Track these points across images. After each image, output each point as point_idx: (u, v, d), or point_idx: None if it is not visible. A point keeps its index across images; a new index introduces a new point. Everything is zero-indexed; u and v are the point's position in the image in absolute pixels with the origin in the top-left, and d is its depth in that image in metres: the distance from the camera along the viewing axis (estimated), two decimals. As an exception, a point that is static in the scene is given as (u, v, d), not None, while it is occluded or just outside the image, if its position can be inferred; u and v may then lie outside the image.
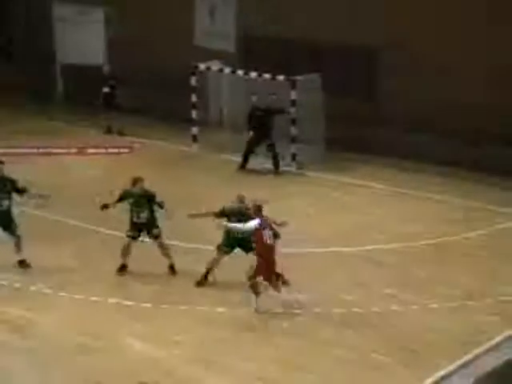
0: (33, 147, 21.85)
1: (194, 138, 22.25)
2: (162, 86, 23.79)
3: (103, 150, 21.89)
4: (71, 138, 22.64)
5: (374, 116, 21.42)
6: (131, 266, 14.91)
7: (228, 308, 13.61)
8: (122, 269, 14.87)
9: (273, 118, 20.45)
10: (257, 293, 13.42)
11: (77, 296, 14.03)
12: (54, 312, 13.60)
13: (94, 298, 13.94)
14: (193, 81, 22.01)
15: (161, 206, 14.71)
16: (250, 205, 13.95)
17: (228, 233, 14.18)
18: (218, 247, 14.32)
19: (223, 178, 19.87)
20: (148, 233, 14.79)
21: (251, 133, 20.45)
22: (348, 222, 17.40)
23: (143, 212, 14.63)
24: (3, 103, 25.21)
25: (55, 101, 26.08)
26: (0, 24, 26.68)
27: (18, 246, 15.07)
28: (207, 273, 14.39)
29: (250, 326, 13.17)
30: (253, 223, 13.48)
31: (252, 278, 13.41)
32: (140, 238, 14.89)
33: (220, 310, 13.60)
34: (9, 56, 26.88)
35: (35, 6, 26.22)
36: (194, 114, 22.17)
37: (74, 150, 21.78)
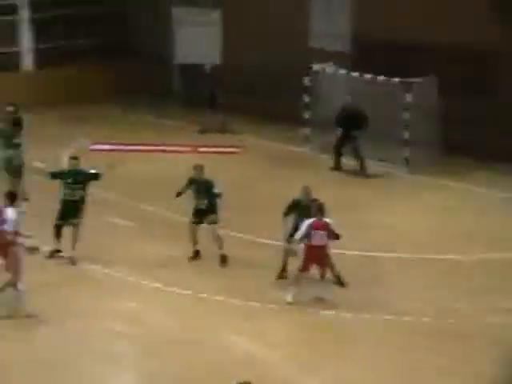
0: (147, 144, 22.36)
1: (306, 139, 22.25)
2: (274, 86, 23.87)
3: (215, 149, 22.15)
4: (174, 136, 23.02)
5: (492, 119, 20.86)
6: (242, 265, 15.08)
7: (334, 311, 13.61)
8: (195, 256, 15.37)
9: (359, 121, 20.29)
10: (296, 285, 13.67)
11: (185, 292, 14.27)
12: (163, 306, 13.88)
13: (200, 295, 14.14)
14: (306, 81, 22.02)
15: (218, 196, 15.25)
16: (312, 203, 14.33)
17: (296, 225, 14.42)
18: (287, 240, 14.57)
19: (331, 179, 19.78)
20: (206, 219, 15.28)
21: (338, 133, 20.52)
22: (454, 229, 17.04)
23: (203, 199, 15.17)
24: (118, 101, 25.87)
25: (171, 100, 26.50)
26: (121, 25, 27.30)
27: (74, 240, 15.37)
28: (284, 266, 14.62)
29: (354, 332, 13.13)
30: (304, 227, 13.70)
31: (299, 270, 13.74)
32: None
33: (327, 312, 13.59)
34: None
35: (156, 8, 26.76)
36: (306, 114, 22.17)
37: (187, 148, 22.14)
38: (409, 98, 20.26)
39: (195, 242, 15.40)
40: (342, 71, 21.86)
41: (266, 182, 19.61)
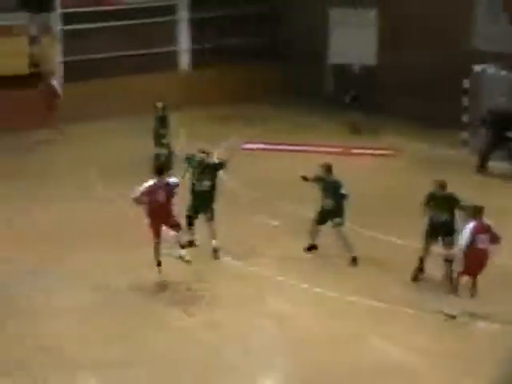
0: (299, 144, 22.31)
1: (464, 143, 21.53)
2: (432, 87, 23.28)
3: (367, 151, 21.85)
4: (325, 137, 22.89)
5: None
6: (389, 269, 14.79)
7: (485, 322, 13.10)
8: (311, 248, 15.47)
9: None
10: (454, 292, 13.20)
11: (330, 293, 14.09)
12: (310, 306, 13.80)
13: (347, 297, 13.93)
14: (466, 83, 21.31)
15: (345, 197, 15.02)
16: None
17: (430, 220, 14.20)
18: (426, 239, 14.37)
19: (483, 187, 18.96)
20: (331, 220, 15.15)
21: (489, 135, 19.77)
22: None
23: (329, 199, 14.99)
24: (270, 101, 25.95)
25: (323, 100, 26.36)
26: (275, 25, 27.43)
27: (213, 232, 15.36)
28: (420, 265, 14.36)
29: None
30: (466, 233, 13.08)
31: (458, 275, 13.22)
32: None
33: (478, 323, 13.11)
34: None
35: (311, 8, 26.72)
36: (464, 117, 21.47)
37: (338, 150, 21.90)
38: None
39: (313, 239, 15.48)
40: (504, 72, 21.03)
41: (419, 186, 19.07)
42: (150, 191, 14.21)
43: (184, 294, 13.79)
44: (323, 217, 15.25)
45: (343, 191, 15.02)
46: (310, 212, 15.65)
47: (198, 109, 24.45)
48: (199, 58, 26.49)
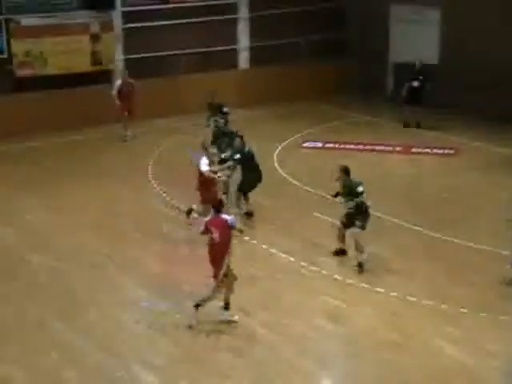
0: (358, 143, 22.41)
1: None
2: (491, 85, 23.24)
3: (427, 150, 21.88)
4: (387, 136, 22.97)
5: None
6: (453, 271, 14.83)
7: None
8: (339, 253, 15.37)
9: None
10: None
11: (392, 293, 14.17)
12: (370, 306, 13.82)
13: (409, 298, 13.99)
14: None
15: (361, 194, 14.77)
16: None
17: None
18: None
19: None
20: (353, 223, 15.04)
21: None
22: None
23: (350, 202, 14.88)
24: (331, 100, 26.10)
25: (385, 98, 26.43)
26: (339, 23, 27.51)
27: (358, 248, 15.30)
28: None
29: None
30: None
31: None
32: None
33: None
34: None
35: (373, 6, 26.77)
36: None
37: (398, 148, 21.99)
38: None
39: (342, 241, 15.42)
40: None
41: (480, 187, 19.17)
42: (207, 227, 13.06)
43: (242, 294, 13.85)
44: (350, 220, 15.10)
45: (360, 189, 14.85)
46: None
47: (258, 108, 24.63)
48: (259, 56, 26.65)
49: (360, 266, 14.98)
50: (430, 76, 23.84)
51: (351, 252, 15.33)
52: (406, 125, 23.78)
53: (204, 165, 16.03)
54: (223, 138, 18.10)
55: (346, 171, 15.08)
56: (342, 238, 15.43)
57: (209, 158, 16.13)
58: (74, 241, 16.38)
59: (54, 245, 16.21)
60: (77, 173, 20.31)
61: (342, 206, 15.18)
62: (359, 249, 14.99)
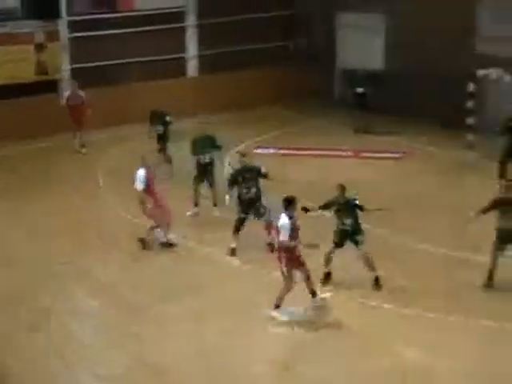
0: (309, 149, 22.54)
1: (470, 145, 21.86)
2: (438, 90, 23.61)
3: (377, 155, 22.11)
4: (337, 140, 23.13)
5: None
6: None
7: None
8: (327, 277, 14.66)
9: None
10: None
11: (361, 300, 14.20)
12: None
13: (371, 303, 14.05)
14: (470, 87, 21.64)
15: (360, 208, 14.43)
16: None
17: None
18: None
19: (491, 187, 19.14)
20: (351, 240, 14.48)
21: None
22: None
23: (348, 218, 14.39)
24: (281, 105, 26.25)
25: (334, 103, 26.66)
26: (286, 29, 27.69)
27: (268, 229, 15.56)
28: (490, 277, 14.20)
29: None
30: None
31: None
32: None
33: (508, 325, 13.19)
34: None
35: (321, 14, 27.00)
36: (470, 120, 21.79)
37: (349, 153, 22.18)
38: None
39: (328, 265, 14.69)
40: (508, 77, 21.34)
41: (431, 189, 19.43)
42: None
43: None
44: (342, 238, 14.50)
45: (357, 202, 14.45)
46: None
47: (208, 115, 24.64)
48: (209, 64, 26.70)
49: (377, 280, 14.42)
50: (375, 82, 24.16)
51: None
52: (356, 130, 24.03)
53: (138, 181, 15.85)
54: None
55: (342, 189, 14.53)
56: (329, 261, 14.60)
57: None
58: (30, 248, 16.26)
59: (9, 253, 16.10)
60: (29, 183, 20.16)
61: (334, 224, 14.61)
62: (371, 265, 14.41)
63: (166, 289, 14.63)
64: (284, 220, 13.25)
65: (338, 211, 14.50)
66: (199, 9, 26.51)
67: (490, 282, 14.29)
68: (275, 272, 13.87)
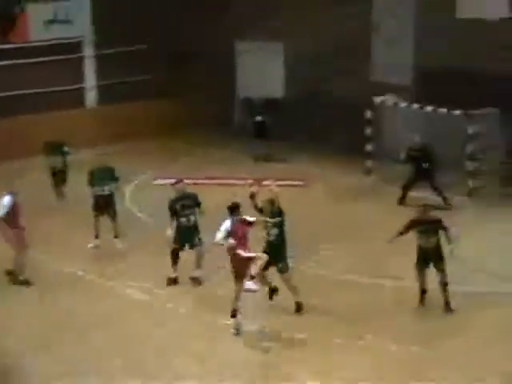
0: (210, 178, 22.52)
1: (368, 171, 22.24)
2: (336, 117, 23.99)
3: (279, 183, 22.20)
4: (238, 169, 23.21)
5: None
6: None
7: (398, 345, 13.42)
8: (273, 292, 14.52)
9: (430, 159, 20.07)
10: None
11: (252, 327, 14.18)
12: (228, 342, 13.74)
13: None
14: (368, 114, 22.07)
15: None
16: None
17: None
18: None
19: (393, 211, 19.65)
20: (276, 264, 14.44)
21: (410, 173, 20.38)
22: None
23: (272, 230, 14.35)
24: (180, 135, 26.17)
25: (234, 132, 26.76)
26: (183, 59, 27.71)
27: (198, 262, 15.63)
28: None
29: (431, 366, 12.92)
30: None
31: None
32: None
33: (392, 348, 13.40)
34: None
35: (219, 43, 27.11)
36: (368, 146, 22.20)
37: (249, 182, 22.20)
38: (471, 129, 20.14)
39: (267, 282, 14.51)
40: (403, 103, 21.85)
41: (330, 214, 19.66)
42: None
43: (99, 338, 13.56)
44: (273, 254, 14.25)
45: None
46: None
47: (107, 146, 24.41)
48: (107, 94, 26.51)
49: (300, 305, 14.46)
50: (275, 109, 24.43)
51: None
52: (256, 158, 24.16)
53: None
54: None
55: (272, 203, 14.63)
56: (264, 279, 14.31)
57: None
58: None
59: None
60: None
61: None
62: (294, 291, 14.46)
63: (64, 324, 14.34)
64: (226, 223, 13.60)
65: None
66: (97, 39, 26.32)
67: (422, 301, 14.68)
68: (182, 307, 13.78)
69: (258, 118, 24.36)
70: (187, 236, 15.85)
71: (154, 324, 14.44)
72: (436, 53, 22.43)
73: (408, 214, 18.86)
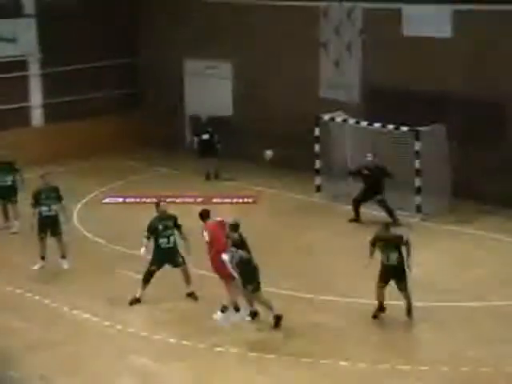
0: (160, 196, 22.35)
1: (317, 188, 22.29)
2: (284, 136, 24.05)
3: (228, 200, 22.22)
4: (187, 187, 23.06)
5: (502, 166, 20.95)
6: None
7: (351, 362, 13.43)
8: (254, 316, 14.88)
9: (381, 177, 20.26)
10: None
11: (200, 345, 14.10)
12: (179, 360, 13.68)
13: (217, 348, 13.97)
14: (316, 131, 22.13)
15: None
16: None
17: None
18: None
19: (341, 229, 19.78)
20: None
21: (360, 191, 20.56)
22: (474, 276, 16.94)
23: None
24: (129, 153, 26.05)
25: (183, 150, 26.66)
26: (133, 77, 27.59)
27: (187, 279, 15.71)
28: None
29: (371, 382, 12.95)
30: None
31: None
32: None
33: (343, 363, 13.40)
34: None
35: (168, 61, 27.05)
36: (317, 163, 22.25)
37: (199, 200, 22.15)
38: (418, 145, 20.31)
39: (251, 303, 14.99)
40: (352, 120, 21.96)
41: (280, 231, 19.64)
42: None
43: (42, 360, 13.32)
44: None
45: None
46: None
47: (55, 165, 24.10)
48: (54, 113, 26.20)
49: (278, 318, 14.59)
50: (223, 128, 24.45)
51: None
52: (207, 176, 24.11)
53: None
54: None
55: (235, 227, 14.65)
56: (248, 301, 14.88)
57: None
58: None
59: None
60: None
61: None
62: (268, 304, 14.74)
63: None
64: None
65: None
66: (43, 57, 26.06)
67: (379, 313, 14.80)
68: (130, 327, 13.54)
69: (204, 137, 24.27)
70: (168, 256, 15.73)
71: (100, 344, 14.26)
72: (383, 70, 22.64)
73: (357, 232, 19.38)
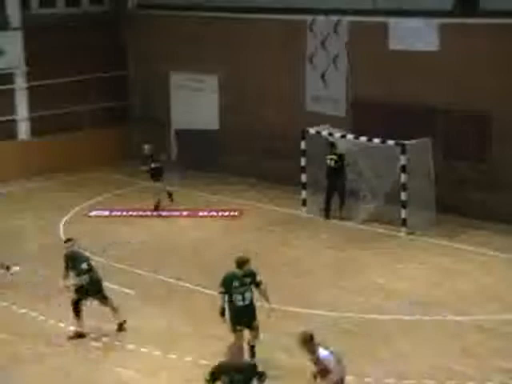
0: (145, 210, 22.36)
1: (304, 202, 22.31)
2: (270, 149, 24.08)
3: (214, 213, 22.23)
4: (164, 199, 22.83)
5: (487, 181, 21.03)
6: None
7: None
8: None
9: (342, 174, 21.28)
10: None
11: (187, 358, 14.07)
12: (163, 373, 13.66)
13: (203, 362, 13.89)
14: (303, 145, 22.16)
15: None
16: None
17: None
18: None
19: (326, 243, 19.80)
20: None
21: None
22: (459, 290, 16.98)
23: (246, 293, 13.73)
24: (115, 167, 26.05)
25: (169, 164, 26.61)
26: (120, 90, 27.58)
27: (114, 309, 15.34)
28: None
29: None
30: None
31: None
32: None
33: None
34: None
35: (154, 74, 27.06)
36: (303, 177, 22.28)
37: (185, 213, 22.15)
38: (403, 159, 20.36)
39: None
40: (338, 134, 21.99)
41: (265, 245, 19.63)
42: None
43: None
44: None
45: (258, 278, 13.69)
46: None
47: (41, 179, 24.05)
48: (40, 126, 26.17)
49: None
50: (210, 141, 24.47)
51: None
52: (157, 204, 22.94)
53: None
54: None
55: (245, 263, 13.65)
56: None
57: None
58: None
59: None
60: None
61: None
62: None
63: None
64: None
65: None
66: (29, 70, 26.03)
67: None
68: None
69: (153, 166, 23.30)
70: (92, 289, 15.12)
71: (87, 357, 14.16)
72: (370, 84, 22.70)
73: (343, 246, 19.43)
